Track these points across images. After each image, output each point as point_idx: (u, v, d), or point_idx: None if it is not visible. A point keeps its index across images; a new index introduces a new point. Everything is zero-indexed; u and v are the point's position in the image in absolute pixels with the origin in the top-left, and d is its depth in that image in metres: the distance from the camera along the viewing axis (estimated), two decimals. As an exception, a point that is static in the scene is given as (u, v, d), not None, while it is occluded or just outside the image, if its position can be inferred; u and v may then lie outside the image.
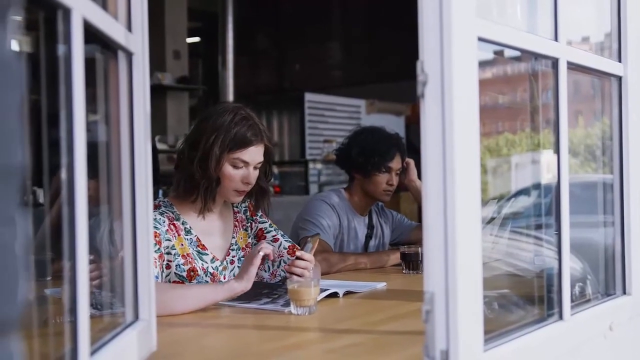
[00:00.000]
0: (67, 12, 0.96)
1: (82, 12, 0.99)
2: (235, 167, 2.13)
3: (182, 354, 1.52)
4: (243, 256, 2.28)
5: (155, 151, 3.87)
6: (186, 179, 2.15)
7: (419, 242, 2.88)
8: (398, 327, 1.72)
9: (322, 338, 1.66)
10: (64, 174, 0.97)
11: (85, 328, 0.99)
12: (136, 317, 1.34)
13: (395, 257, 2.77)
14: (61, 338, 1.05)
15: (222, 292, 1.90)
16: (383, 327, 1.73)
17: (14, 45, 0.61)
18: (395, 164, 2.93)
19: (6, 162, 0.55)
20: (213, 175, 2.11)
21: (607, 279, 1.79)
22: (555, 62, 1.46)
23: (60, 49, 0.97)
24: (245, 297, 1.97)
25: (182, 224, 2.18)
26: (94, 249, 1.11)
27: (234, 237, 2.29)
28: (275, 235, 2.33)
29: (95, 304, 1.24)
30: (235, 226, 2.31)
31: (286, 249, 2.30)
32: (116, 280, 1.36)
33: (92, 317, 1.04)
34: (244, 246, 2.31)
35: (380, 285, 2.29)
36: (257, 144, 2.15)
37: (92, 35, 1.08)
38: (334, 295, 2.06)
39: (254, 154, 2.15)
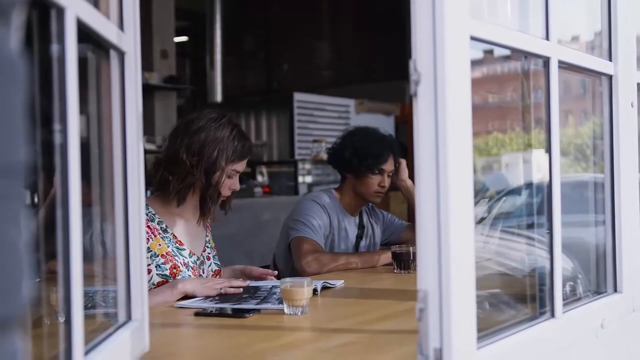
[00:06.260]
0: (60, 11, 0.95)
1: (75, 11, 0.98)
2: (229, 177, 2.24)
3: (174, 354, 1.52)
4: (215, 255, 2.39)
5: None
6: (186, 187, 2.20)
7: (409, 241, 2.88)
8: (391, 326, 1.72)
9: (316, 337, 1.65)
10: (57, 175, 0.96)
11: (80, 328, 0.99)
12: (129, 317, 1.33)
13: (386, 257, 2.77)
14: (53, 339, 1.05)
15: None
16: (376, 326, 1.73)
17: (18, 44, 0.61)
18: (388, 166, 2.93)
19: (11, 160, 0.55)
20: (220, 186, 2.21)
21: (598, 277, 1.80)
22: (546, 61, 1.47)
23: (54, 48, 0.96)
24: (235, 299, 1.97)
25: (158, 223, 2.22)
26: (85, 249, 1.10)
27: (207, 236, 2.39)
28: (212, 253, 2.42)
29: (87, 304, 1.24)
30: (208, 227, 2.41)
31: (212, 271, 2.36)
32: (108, 281, 1.35)
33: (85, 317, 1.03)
34: (213, 246, 2.42)
35: (339, 283, 2.29)
36: (250, 155, 2.29)
37: (84, 34, 1.08)
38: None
39: (245, 164, 2.29)
